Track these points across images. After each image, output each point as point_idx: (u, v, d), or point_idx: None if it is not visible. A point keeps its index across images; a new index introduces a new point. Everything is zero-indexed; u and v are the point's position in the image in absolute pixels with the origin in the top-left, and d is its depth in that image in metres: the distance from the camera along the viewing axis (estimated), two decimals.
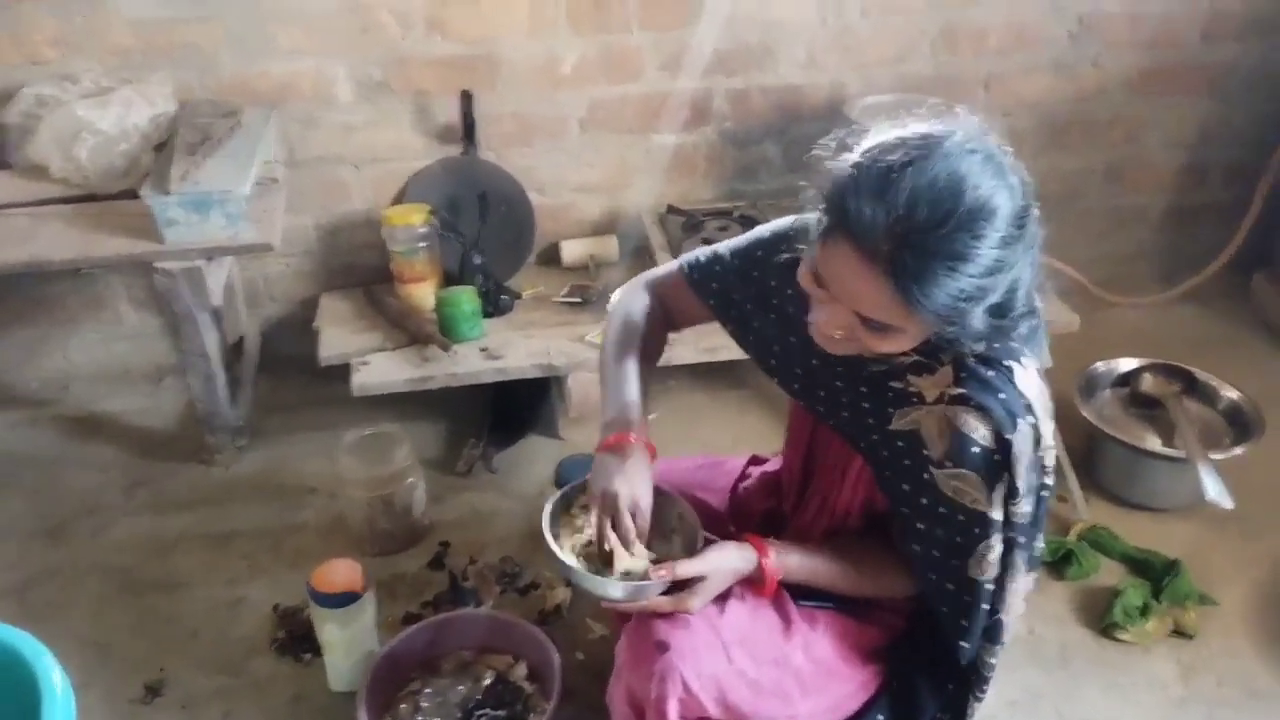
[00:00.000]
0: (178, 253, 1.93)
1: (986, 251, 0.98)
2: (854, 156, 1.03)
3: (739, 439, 2.26)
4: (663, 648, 1.20)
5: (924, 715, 1.32)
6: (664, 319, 1.43)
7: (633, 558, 1.22)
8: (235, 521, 2.09)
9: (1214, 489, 1.88)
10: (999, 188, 0.99)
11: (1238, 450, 2.00)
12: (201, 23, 2.13)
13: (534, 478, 2.19)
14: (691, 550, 1.26)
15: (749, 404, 2.39)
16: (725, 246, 1.38)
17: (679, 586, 1.21)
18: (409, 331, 2.22)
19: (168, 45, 2.14)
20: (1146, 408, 2.17)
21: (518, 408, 2.33)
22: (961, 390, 1.12)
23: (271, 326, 2.54)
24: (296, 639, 1.79)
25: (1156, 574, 1.89)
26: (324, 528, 2.07)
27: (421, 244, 2.24)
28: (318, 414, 2.35)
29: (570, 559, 1.24)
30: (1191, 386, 2.16)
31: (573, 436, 2.29)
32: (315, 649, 1.71)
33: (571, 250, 2.47)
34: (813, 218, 1.09)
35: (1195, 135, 2.65)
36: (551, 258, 2.50)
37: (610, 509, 1.21)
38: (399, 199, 2.38)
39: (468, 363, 2.14)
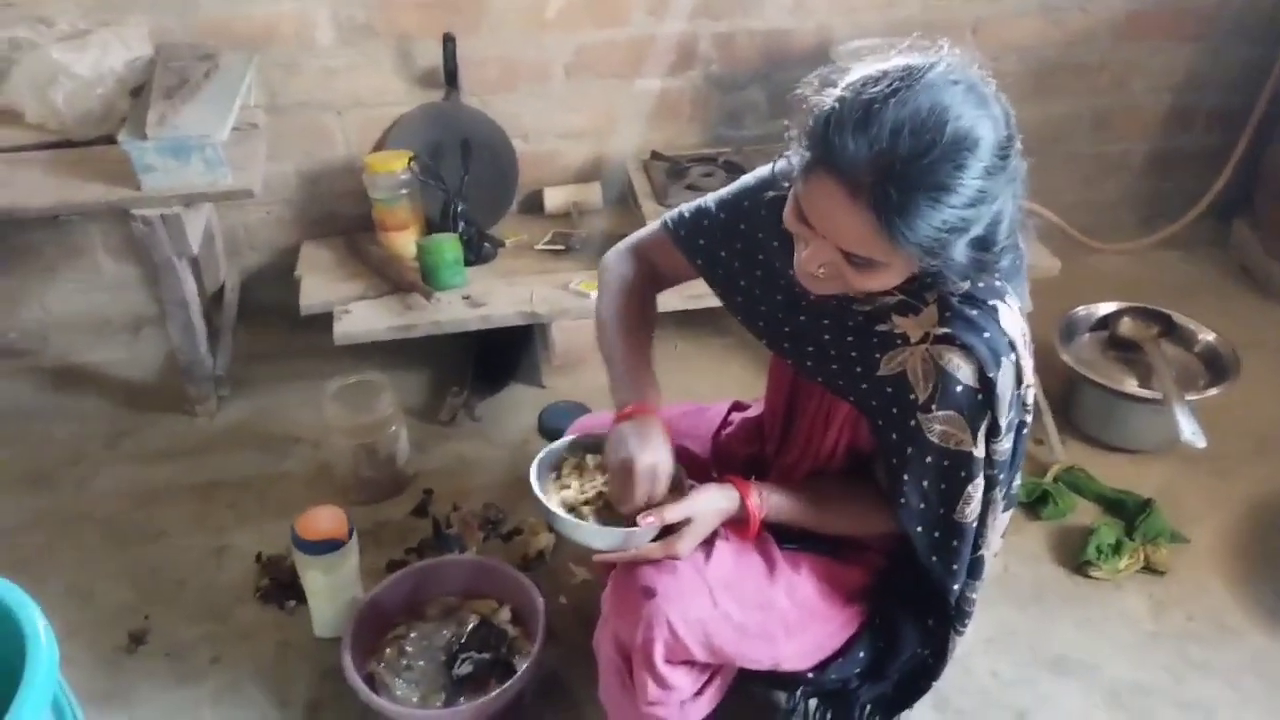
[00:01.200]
0: (156, 199, 1.91)
1: (969, 182, 0.98)
2: (837, 91, 1.02)
3: (721, 385, 2.27)
4: (649, 593, 1.21)
5: (905, 651, 1.35)
6: (653, 283, 1.44)
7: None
8: (219, 471, 2.09)
9: (1189, 429, 1.90)
10: (982, 117, 0.99)
11: (1213, 391, 2.02)
12: None
13: (517, 426, 2.20)
14: (676, 495, 1.27)
15: (732, 351, 2.40)
16: (711, 199, 1.37)
17: (666, 531, 1.23)
18: (391, 280, 2.21)
19: None
20: (1125, 351, 2.19)
21: (501, 356, 2.33)
22: (946, 329, 1.13)
23: (252, 275, 2.52)
24: (281, 586, 1.80)
25: (1130, 513, 1.92)
26: (308, 476, 2.08)
27: (403, 191, 2.22)
28: (300, 363, 2.34)
29: (559, 508, 1.25)
30: (1169, 330, 2.18)
31: (555, 384, 2.30)
32: (300, 596, 1.72)
33: (555, 197, 2.45)
34: (796, 158, 1.08)
35: (1181, 80, 2.64)
36: (535, 205, 2.49)
37: (628, 476, 1.21)
38: (381, 145, 2.35)
39: (450, 311, 2.13)
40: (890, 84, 0.99)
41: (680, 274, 1.45)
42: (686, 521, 1.22)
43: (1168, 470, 2.05)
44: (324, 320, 2.14)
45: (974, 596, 1.32)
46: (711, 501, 1.25)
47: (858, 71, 1.03)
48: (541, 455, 1.33)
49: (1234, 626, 1.75)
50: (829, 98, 1.02)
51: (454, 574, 1.73)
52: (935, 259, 1.03)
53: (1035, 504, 1.95)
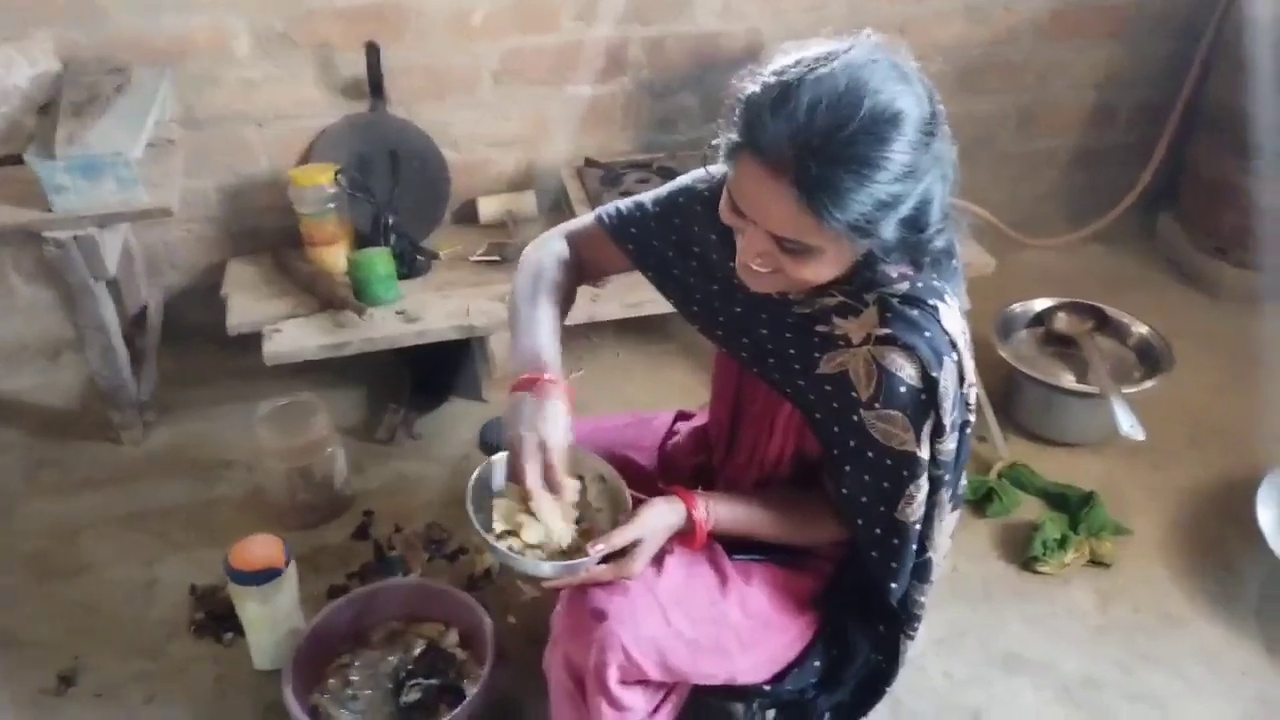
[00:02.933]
0: (68, 220, 1.82)
1: (894, 156, 0.97)
2: (760, 77, 1.02)
3: (665, 394, 2.25)
4: (600, 615, 1.18)
5: (858, 658, 1.33)
6: (577, 267, 1.40)
7: (563, 527, 1.20)
8: (147, 500, 2.01)
9: (1126, 422, 1.93)
10: (903, 92, 0.99)
11: (1148, 384, 2.06)
12: None
13: (457, 441, 2.15)
14: (619, 513, 1.24)
15: (674, 358, 2.38)
16: (646, 196, 1.35)
17: (614, 553, 1.19)
18: (321, 296, 2.14)
19: (51, 0, 2.00)
20: (1061, 346, 2.22)
21: (438, 371, 2.27)
22: (887, 330, 1.11)
23: (175, 295, 2.43)
24: (217, 618, 1.73)
25: (1073, 507, 1.94)
26: (242, 502, 2.01)
27: (330, 205, 2.16)
28: (229, 385, 2.27)
29: (498, 542, 1.20)
30: (1103, 324, 2.22)
31: (496, 398, 2.25)
32: (237, 628, 1.66)
33: (488, 207, 2.41)
34: (723, 148, 1.06)
35: (1104, 77, 2.69)
36: (468, 215, 2.44)
37: (524, 454, 1.16)
38: (305, 158, 2.29)
39: (384, 326, 2.08)
40: (809, 65, 0.99)
41: (608, 266, 1.41)
42: (635, 542, 1.19)
43: (1107, 463, 2.08)
44: (253, 340, 2.07)
45: (922, 599, 1.31)
46: (659, 518, 1.22)
47: (779, 59, 1.03)
48: (475, 476, 1.28)
49: (1179, 616, 1.77)
50: (751, 84, 1.02)
51: (398, 598, 1.68)
52: (865, 238, 1.02)
53: (981, 501, 1.96)
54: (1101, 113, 2.75)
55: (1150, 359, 2.14)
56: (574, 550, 1.21)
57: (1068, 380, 2.10)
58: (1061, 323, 2.23)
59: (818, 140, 0.96)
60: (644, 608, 1.20)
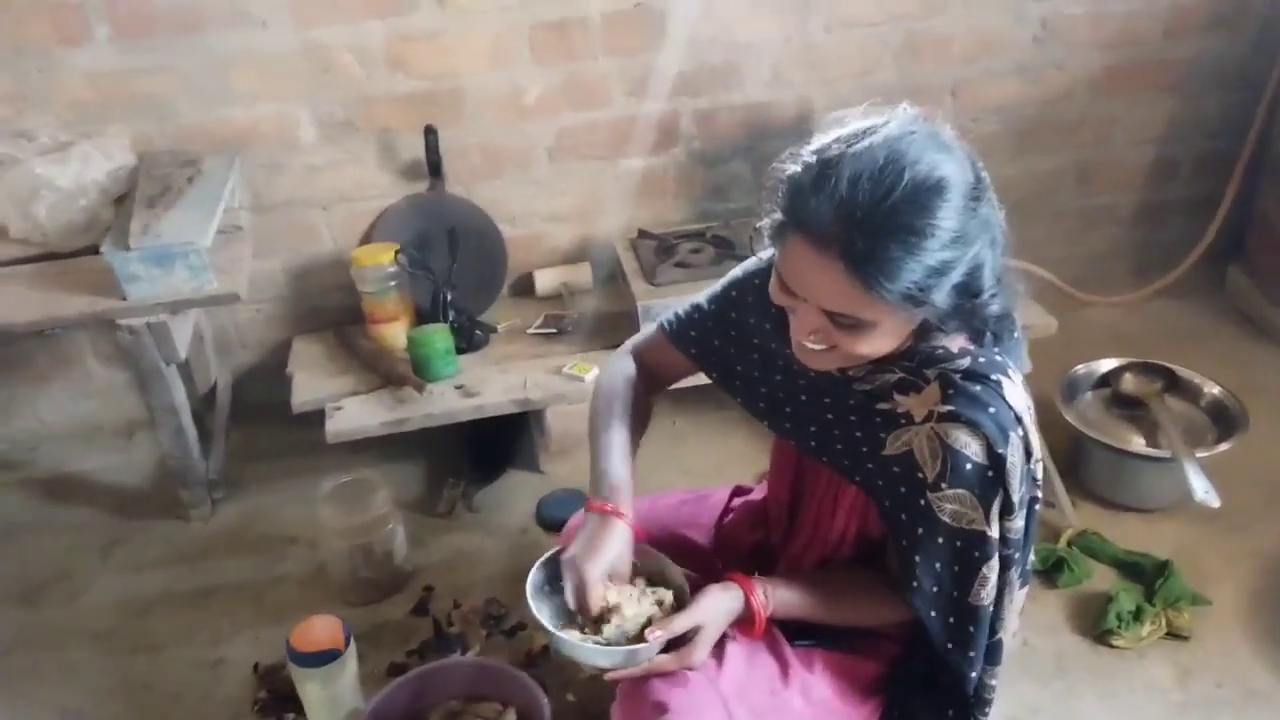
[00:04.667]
0: (141, 308, 1.89)
1: (940, 223, 0.98)
2: (801, 158, 1.04)
3: (723, 462, 2.24)
4: (661, 709, 1.16)
5: None
6: (647, 381, 1.43)
7: (627, 618, 1.21)
8: (214, 577, 2.05)
9: (1201, 488, 1.86)
10: (943, 161, 1.00)
11: (1223, 447, 1.98)
12: (158, 72, 2.10)
13: (516, 514, 2.16)
14: (680, 604, 1.23)
15: (731, 426, 2.36)
16: (702, 296, 1.39)
17: (674, 642, 1.19)
18: (382, 373, 2.19)
19: (125, 96, 2.11)
20: (1129, 408, 2.16)
21: (496, 443, 2.29)
22: (950, 407, 1.10)
23: (244, 374, 2.50)
24: (279, 699, 1.74)
25: (1148, 576, 1.87)
26: (305, 578, 2.03)
27: (391, 283, 2.21)
28: (294, 461, 2.31)
29: (557, 629, 1.22)
30: (1173, 384, 2.15)
31: (553, 470, 2.26)
32: (298, 708, 1.66)
33: (545, 280, 2.45)
34: (770, 231, 1.09)
35: (1164, 131, 2.65)
36: (525, 288, 2.48)
37: (577, 580, 1.21)
38: (367, 238, 2.35)
39: (443, 402, 2.11)
40: (846, 141, 1.01)
41: (677, 372, 1.45)
42: (695, 629, 1.18)
43: (1182, 528, 2.00)
44: (317, 416, 2.12)
45: (993, 683, 1.27)
46: (718, 604, 1.21)
47: (819, 139, 1.05)
48: (538, 565, 1.30)
49: (1264, 690, 1.69)
50: (793, 165, 1.04)
51: (456, 677, 1.68)
52: (919, 306, 1.02)
53: (1050, 572, 1.90)
54: (1163, 167, 2.70)
55: (1224, 420, 2.07)
56: (636, 639, 1.21)
57: (1137, 444, 2.04)
58: (1129, 384, 2.17)
59: (861, 213, 0.97)
60: (705, 701, 1.18)
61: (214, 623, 1.94)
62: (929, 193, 0.98)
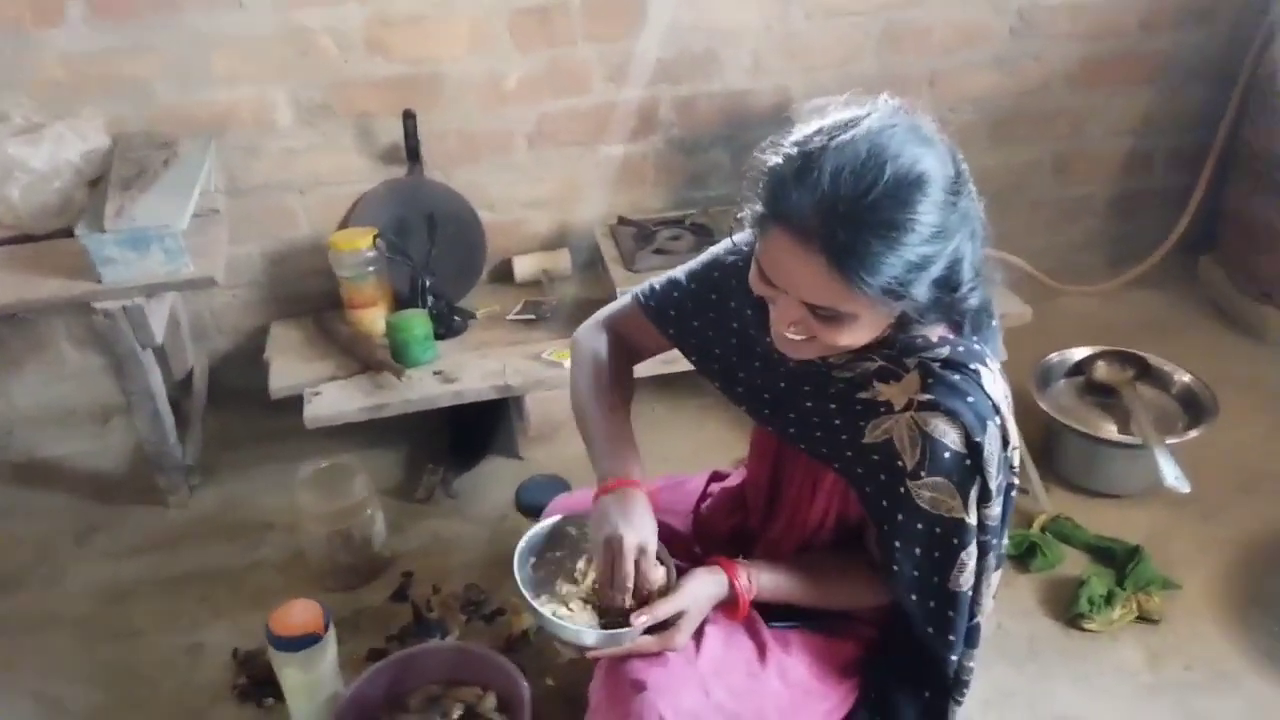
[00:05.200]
0: (116, 291, 1.88)
1: (920, 217, 0.98)
2: (782, 149, 1.04)
3: (702, 449, 2.25)
4: (639, 686, 1.17)
5: None
6: (624, 350, 1.42)
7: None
8: (192, 563, 2.04)
9: (1171, 474, 1.89)
10: (924, 154, 1.00)
11: (1193, 434, 2.02)
12: (134, 54, 2.08)
13: (495, 500, 2.16)
14: (667, 586, 1.24)
15: (708, 412, 2.37)
16: (681, 271, 1.37)
17: (657, 624, 1.20)
18: (360, 358, 2.18)
19: (100, 77, 2.09)
20: (1102, 395, 2.18)
21: (475, 429, 2.29)
22: (929, 395, 1.11)
23: (220, 359, 2.49)
24: (258, 683, 1.74)
25: (1119, 561, 1.90)
26: (283, 564, 2.03)
27: (369, 268, 2.21)
28: (272, 447, 2.30)
29: (544, 608, 1.22)
30: (1145, 372, 2.18)
31: (532, 455, 2.26)
32: (278, 693, 1.66)
33: (524, 266, 2.44)
34: (750, 220, 1.09)
35: (1139, 123, 2.67)
36: (504, 274, 2.47)
37: (612, 555, 1.19)
38: (345, 223, 2.34)
39: (421, 387, 2.10)
40: (829, 134, 1.01)
41: (653, 346, 1.44)
42: (680, 613, 1.19)
43: (1154, 515, 2.03)
44: (295, 402, 2.11)
45: (971, 665, 1.29)
46: (702, 588, 1.22)
47: (799, 129, 1.05)
48: (523, 543, 1.30)
49: (1232, 673, 1.72)
50: (774, 156, 1.04)
51: (435, 662, 1.68)
52: (899, 300, 1.02)
53: (1024, 556, 1.93)
54: (1137, 158, 2.73)
55: (1194, 408, 2.10)
56: (618, 618, 1.21)
57: (1109, 431, 2.07)
58: (1102, 372, 2.20)
59: (843, 207, 0.97)
60: (683, 679, 1.19)
61: (192, 608, 1.93)
62: (910, 187, 0.98)
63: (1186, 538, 1.98)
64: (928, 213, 0.99)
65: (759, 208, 1.05)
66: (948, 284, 1.04)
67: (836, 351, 1.13)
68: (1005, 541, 1.29)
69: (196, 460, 2.23)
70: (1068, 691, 1.70)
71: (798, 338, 1.10)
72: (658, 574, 1.22)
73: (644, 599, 1.21)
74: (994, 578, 1.27)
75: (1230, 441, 2.14)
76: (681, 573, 1.25)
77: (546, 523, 1.34)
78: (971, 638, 1.26)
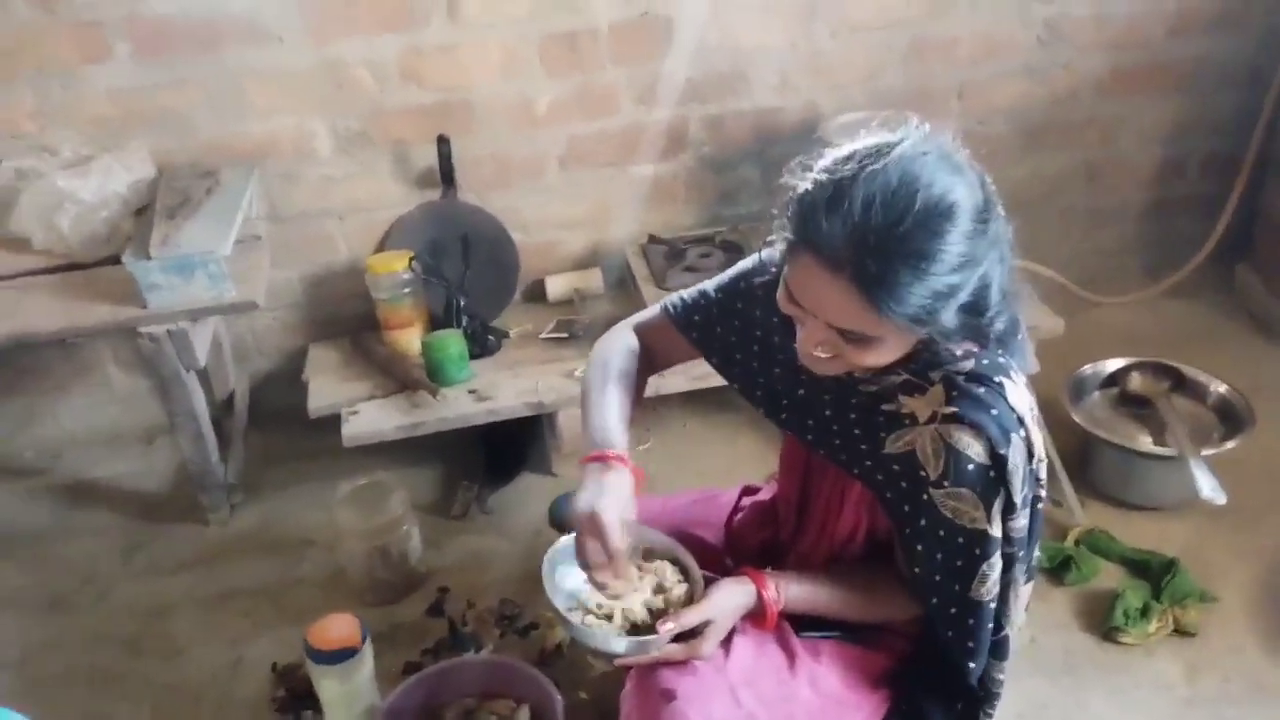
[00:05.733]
0: (161, 316, 1.94)
1: (949, 247, 0.99)
2: (812, 174, 1.05)
3: (733, 464, 2.26)
4: (669, 696, 1.19)
5: None
6: (646, 357, 1.44)
7: (636, 606, 1.23)
8: (233, 580, 2.09)
9: (1207, 486, 1.88)
10: (955, 183, 1.01)
11: (1229, 445, 1.99)
12: (178, 88, 2.15)
13: (529, 516, 2.19)
14: (694, 595, 1.26)
15: (742, 428, 2.39)
16: (709, 284, 1.40)
17: (684, 632, 1.21)
18: (397, 378, 2.23)
19: (145, 111, 2.16)
20: (1136, 407, 2.17)
21: (510, 447, 2.33)
22: (954, 409, 1.12)
23: (261, 380, 2.55)
24: (297, 697, 1.78)
25: (1155, 574, 1.89)
26: (323, 580, 2.07)
27: (405, 290, 2.25)
28: (311, 465, 2.35)
29: (573, 616, 1.24)
30: (1180, 383, 2.16)
31: (566, 472, 2.29)
32: (316, 706, 1.70)
33: (556, 285, 2.48)
34: (780, 242, 1.10)
35: (1170, 130, 2.65)
36: (537, 294, 2.51)
37: (589, 530, 1.19)
38: (382, 246, 2.39)
39: (457, 406, 2.14)
40: (860, 161, 1.01)
41: (676, 355, 1.45)
42: (706, 623, 1.21)
43: (1190, 527, 2.01)
44: (333, 421, 2.16)
45: (1000, 677, 1.29)
46: (730, 598, 1.24)
47: (830, 154, 1.06)
48: (551, 553, 1.32)
49: (1271, 686, 1.70)
50: (804, 181, 1.05)
51: (470, 675, 1.71)
52: (926, 327, 1.04)
53: (1058, 570, 1.92)
54: (1170, 166, 2.71)
55: (1231, 418, 2.08)
56: (647, 628, 1.23)
57: (1144, 443, 2.05)
58: (1136, 383, 2.18)
59: (874, 238, 0.98)
60: (714, 688, 1.21)
61: (234, 624, 1.98)
62: (940, 218, 0.99)
63: (1223, 550, 1.96)
64: (956, 243, 0.99)
65: (789, 234, 1.06)
66: (975, 309, 1.05)
67: (862, 369, 1.14)
68: (1037, 554, 1.29)
69: (238, 479, 2.28)
70: (1103, 705, 1.69)
71: (824, 356, 1.11)
72: (623, 556, 1.21)
73: (661, 609, 1.23)
74: (1024, 590, 1.27)
75: (1267, 452, 2.11)
76: (711, 584, 1.27)
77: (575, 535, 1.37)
78: (1000, 650, 1.27)
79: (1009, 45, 2.46)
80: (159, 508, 2.30)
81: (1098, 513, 2.07)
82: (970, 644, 1.23)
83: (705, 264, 2.28)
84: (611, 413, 1.31)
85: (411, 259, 2.24)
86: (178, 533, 2.22)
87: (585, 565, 1.22)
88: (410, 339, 2.29)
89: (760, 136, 2.45)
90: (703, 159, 2.47)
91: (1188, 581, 1.85)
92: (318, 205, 2.34)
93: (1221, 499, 1.86)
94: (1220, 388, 2.13)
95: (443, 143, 2.27)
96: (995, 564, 1.18)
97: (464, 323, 2.28)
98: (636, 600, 1.27)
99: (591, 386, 1.37)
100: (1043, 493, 1.24)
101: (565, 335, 2.35)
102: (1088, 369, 2.22)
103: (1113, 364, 2.22)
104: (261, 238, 2.19)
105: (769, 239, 1.13)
